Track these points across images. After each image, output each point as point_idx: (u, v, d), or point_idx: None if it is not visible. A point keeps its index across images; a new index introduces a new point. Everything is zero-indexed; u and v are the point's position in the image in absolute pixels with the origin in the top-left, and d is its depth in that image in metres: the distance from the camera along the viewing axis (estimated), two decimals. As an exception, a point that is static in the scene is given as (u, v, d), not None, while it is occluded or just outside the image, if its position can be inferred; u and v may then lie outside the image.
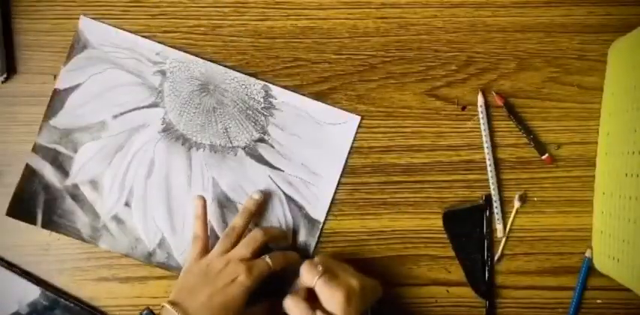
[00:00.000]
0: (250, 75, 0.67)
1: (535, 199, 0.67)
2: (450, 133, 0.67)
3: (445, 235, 0.67)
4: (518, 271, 0.67)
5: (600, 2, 0.67)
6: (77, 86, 0.67)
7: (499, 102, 0.67)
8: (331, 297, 0.57)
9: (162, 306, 0.59)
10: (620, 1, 0.67)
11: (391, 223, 0.67)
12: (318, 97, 0.67)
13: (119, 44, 0.67)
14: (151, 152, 0.67)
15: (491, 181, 0.67)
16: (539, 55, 0.67)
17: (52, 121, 0.67)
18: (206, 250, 0.63)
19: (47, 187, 0.67)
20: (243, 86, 0.67)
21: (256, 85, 0.67)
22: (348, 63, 0.68)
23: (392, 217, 0.67)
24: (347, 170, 0.67)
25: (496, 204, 0.67)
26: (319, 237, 0.67)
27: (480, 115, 0.67)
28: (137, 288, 0.67)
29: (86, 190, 0.67)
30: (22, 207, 0.67)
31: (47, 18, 0.68)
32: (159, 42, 0.67)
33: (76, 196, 0.67)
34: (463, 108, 0.68)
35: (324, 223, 0.67)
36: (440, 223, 0.67)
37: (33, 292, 0.66)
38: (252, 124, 0.67)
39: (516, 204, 0.67)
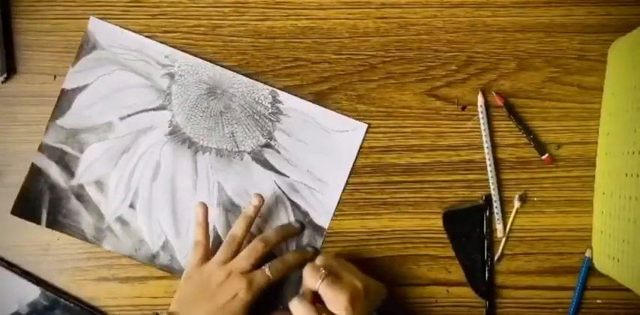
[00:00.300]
0: (250, 75, 0.67)
1: (535, 199, 0.67)
2: (450, 133, 0.67)
3: (445, 235, 0.67)
4: (518, 271, 0.67)
5: (600, 2, 0.67)
6: (85, 87, 0.67)
7: (499, 102, 0.67)
8: (335, 299, 0.56)
9: None
10: (620, 1, 0.67)
11: (391, 223, 0.67)
12: (318, 97, 0.67)
13: (128, 46, 0.67)
14: (157, 155, 0.67)
15: (491, 181, 0.67)
16: (539, 55, 0.67)
17: (59, 121, 0.67)
18: (207, 256, 0.63)
19: (53, 186, 0.67)
20: (251, 91, 0.67)
21: (264, 91, 0.67)
22: (348, 63, 0.68)
23: (392, 217, 0.67)
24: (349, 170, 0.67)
25: (496, 204, 0.67)
26: (323, 243, 0.67)
27: (480, 115, 0.67)
28: (137, 288, 0.67)
29: (91, 191, 0.67)
30: (27, 206, 0.67)
31: (47, 18, 0.68)
32: (161, 42, 0.67)
33: (81, 196, 0.67)
34: (463, 108, 0.68)
35: (328, 229, 0.67)
36: (440, 223, 0.67)
37: (33, 292, 0.66)
38: (259, 129, 0.67)
39: (516, 204, 0.67)
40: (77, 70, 0.67)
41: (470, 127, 0.67)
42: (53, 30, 0.68)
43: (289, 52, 0.68)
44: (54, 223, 0.67)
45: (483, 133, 0.67)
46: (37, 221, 0.67)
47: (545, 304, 0.67)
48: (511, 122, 0.67)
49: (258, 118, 0.67)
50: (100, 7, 0.67)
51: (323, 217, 0.67)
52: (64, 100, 0.67)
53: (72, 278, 0.67)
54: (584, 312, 0.67)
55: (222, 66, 0.67)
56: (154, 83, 0.67)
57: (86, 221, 0.67)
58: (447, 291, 0.68)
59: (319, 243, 0.67)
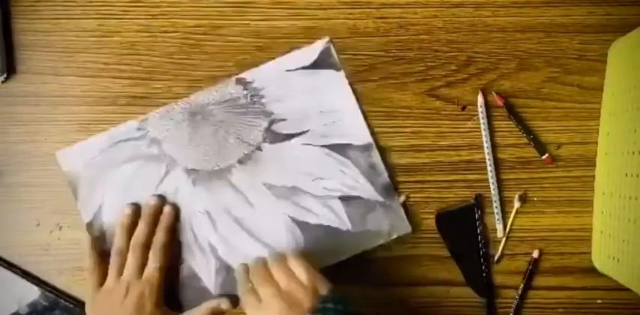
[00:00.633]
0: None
1: (535, 199, 0.68)
2: (450, 133, 0.67)
3: (445, 235, 0.67)
4: (518, 271, 0.67)
5: (600, 2, 0.67)
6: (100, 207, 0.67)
7: (499, 102, 0.67)
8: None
9: None
10: (620, 1, 0.67)
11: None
12: (318, 97, 0.67)
13: (103, 149, 0.67)
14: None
15: (491, 181, 0.67)
16: (539, 55, 0.67)
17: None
18: (102, 280, 0.64)
19: None
20: (222, 93, 0.67)
21: (230, 84, 0.67)
22: (348, 63, 0.68)
23: (392, 217, 0.67)
24: (347, 170, 0.67)
25: (496, 204, 0.67)
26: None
27: (480, 115, 0.67)
28: (137, 288, 0.67)
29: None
30: None
31: (47, 18, 0.68)
32: (159, 42, 0.67)
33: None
34: (463, 108, 0.68)
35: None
36: (440, 223, 0.67)
37: (33, 293, 0.66)
38: (255, 116, 0.67)
39: (516, 204, 0.67)
40: (86, 201, 0.67)
41: (470, 127, 0.67)
42: (52, 30, 0.68)
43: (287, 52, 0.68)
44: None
45: (483, 133, 0.67)
46: None
47: (546, 304, 0.67)
48: (511, 122, 0.67)
49: (245, 109, 0.67)
50: (100, 7, 0.67)
51: (362, 137, 0.67)
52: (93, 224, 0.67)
53: (72, 278, 0.67)
54: (584, 312, 0.67)
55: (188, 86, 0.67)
56: (148, 157, 0.67)
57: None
58: (447, 291, 0.68)
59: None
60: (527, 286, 0.67)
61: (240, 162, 0.67)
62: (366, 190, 0.66)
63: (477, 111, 0.67)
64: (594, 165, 0.67)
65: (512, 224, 0.68)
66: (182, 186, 0.67)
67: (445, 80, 0.68)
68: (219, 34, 0.67)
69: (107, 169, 0.67)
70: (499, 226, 0.67)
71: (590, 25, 0.67)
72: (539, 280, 0.68)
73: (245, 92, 0.67)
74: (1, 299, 0.66)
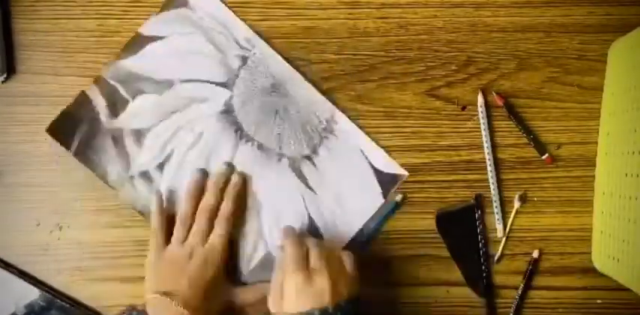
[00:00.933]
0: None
1: (535, 199, 0.68)
2: (450, 133, 0.67)
3: (445, 235, 0.67)
4: (518, 271, 0.67)
5: (600, 2, 0.67)
6: (159, 38, 0.67)
7: (499, 102, 0.67)
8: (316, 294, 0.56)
9: (151, 298, 0.60)
10: (620, 1, 0.67)
11: (391, 223, 0.67)
12: (318, 97, 0.67)
13: (216, 16, 0.67)
14: (203, 127, 0.67)
15: (491, 181, 0.67)
16: (539, 55, 0.67)
17: (123, 62, 0.67)
18: (166, 241, 0.64)
19: (94, 119, 0.67)
20: (313, 102, 0.67)
21: (324, 105, 0.67)
22: (348, 63, 0.68)
23: (392, 217, 0.67)
24: (347, 170, 0.67)
25: (496, 204, 0.67)
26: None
27: (480, 115, 0.67)
28: (137, 288, 0.67)
29: (128, 138, 0.67)
30: (62, 128, 0.67)
31: (47, 18, 0.68)
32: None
33: (116, 139, 0.67)
34: (463, 108, 0.68)
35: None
36: (440, 223, 0.67)
37: (30, 293, 0.66)
38: (306, 139, 0.67)
39: (516, 204, 0.67)
40: (159, 20, 0.67)
41: (470, 127, 0.67)
42: (52, 30, 0.68)
43: (289, 52, 0.68)
44: (81, 154, 0.67)
45: (483, 133, 0.67)
46: (67, 146, 0.67)
47: (546, 304, 0.67)
48: (511, 122, 0.67)
49: (309, 128, 0.67)
50: (100, 7, 0.67)
51: (333, 244, 0.66)
52: (136, 44, 0.67)
53: (71, 278, 0.67)
54: (584, 312, 0.67)
55: (298, 70, 0.67)
56: (225, 59, 0.67)
57: (112, 164, 0.67)
58: (447, 291, 0.68)
59: None
60: (527, 286, 0.67)
61: (259, 147, 0.67)
62: None
63: (477, 111, 0.67)
64: (594, 165, 0.67)
65: (512, 224, 0.68)
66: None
67: (445, 80, 0.68)
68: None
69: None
70: (499, 226, 0.67)
71: (590, 25, 0.67)
72: (539, 280, 0.68)
73: (324, 121, 0.67)
74: (-1, 300, 0.66)
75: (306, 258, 0.58)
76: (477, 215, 0.67)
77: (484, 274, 0.67)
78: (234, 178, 0.66)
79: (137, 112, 0.67)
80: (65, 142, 0.67)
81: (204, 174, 0.67)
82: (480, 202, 0.67)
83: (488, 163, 0.67)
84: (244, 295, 0.64)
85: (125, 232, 0.68)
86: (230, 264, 0.66)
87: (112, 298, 0.67)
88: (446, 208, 0.67)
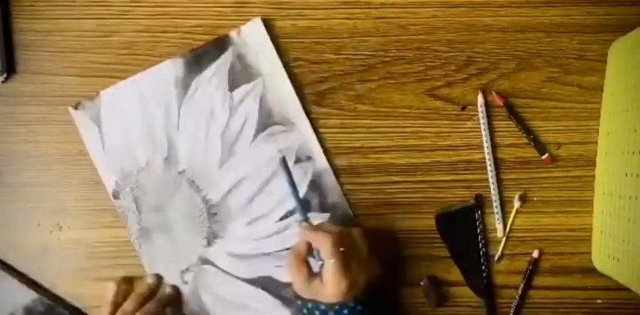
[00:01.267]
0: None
1: (535, 199, 0.67)
2: (450, 133, 0.67)
3: (445, 235, 0.67)
4: (518, 271, 0.67)
5: (600, 2, 0.67)
6: None
7: (499, 102, 0.67)
8: (336, 284, 0.57)
9: None
10: (620, 1, 0.67)
11: (391, 223, 0.67)
12: (318, 97, 0.67)
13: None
14: None
15: (491, 181, 0.67)
16: (539, 55, 0.67)
17: None
18: None
19: None
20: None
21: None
22: (348, 63, 0.68)
23: (392, 217, 0.67)
24: (347, 170, 0.67)
25: (496, 204, 0.67)
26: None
27: (480, 115, 0.67)
28: (137, 288, 0.67)
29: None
30: None
31: (47, 18, 0.68)
32: (159, 42, 0.67)
33: None
34: (463, 108, 0.68)
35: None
36: (440, 223, 0.67)
37: (28, 295, 0.66)
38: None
39: (516, 204, 0.67)
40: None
41: (470, 127, 0.67)
42: (52, 30, 0.68)
43: (289, 52, 0.68)
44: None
45: (483, 133, 0.67)
46: None
47: (546, 304, 0.67)
48: (511, 122, 0.67)
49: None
50: (100, 7, 0.68)
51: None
52: None
53: (71, 278, 0.67)
54: (584, 312, 0.67)
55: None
56: None
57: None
58: (447, 291, 0.68)
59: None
60: (527, 286, 0.67)
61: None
62: None
63: (477, 111, 0.67)
64: (594, 165, 0.67)
65: (512, 224, 0.68)
66: None
67: (445, 80, 0.68)
68: (219, 34, 0.67)
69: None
70: (499, 226, 0.67)
71: (590, 25, 0.67)
72: (539, 280, 0.67)
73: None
74: (-2, 301, 0.66)
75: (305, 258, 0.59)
76: (476, 215, 0.67)
77: (484, 274, 0.67)
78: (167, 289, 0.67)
79: None
80: None
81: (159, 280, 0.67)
82: (480, 202, 0.67)
83: (488, 163, 0.67)
84: None
85: (125, 233, 0.68)
86: None
87: (112, 298, 0.67)
88: (446, 208, 0.67)
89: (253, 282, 0.67)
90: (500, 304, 0.68)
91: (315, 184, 0.67)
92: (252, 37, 0.67)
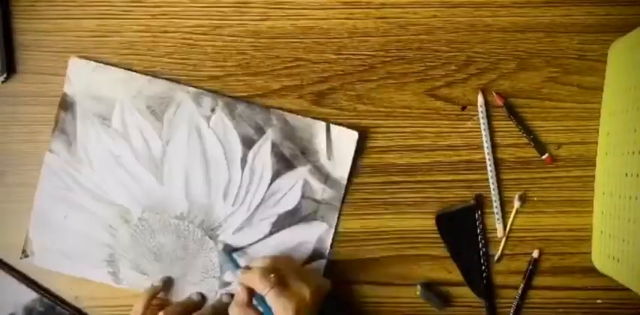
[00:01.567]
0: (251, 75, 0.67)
1: (535, 199, 0.67)
2: (450, 133, 0.67)
3: (445, 235, 0.67)
4: (518, 271, 0.67)
5: (600, 2, 0.67)
6: None
7: (499, 102, 0.67)
8: (284, 309, 0.57)
9: None
10: (620, 1, 0.67)
11: (391, 223, 0.67)
12: (318, 97, 0.67)
13: None
14: None
15: (491, 181, 0.67)
16: (539, 55, 0.67)
17: None
18: None
19: None
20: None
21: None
22: (348, 63, 0.68)
23: (392, 217, 0.67)
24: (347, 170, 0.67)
25: (496, 204, 0.67)
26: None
27: (480, 115, 0.67)
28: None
29: None
30: None
31: (47, 18, 0.68)
32: (159, 42, 0.67)
33: None
34: (463, 108, 0.68)
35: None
36: (440, 223, 0.67)
37: (29, 295, 0.66)
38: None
39: (516, 204, 0.67)
40: None
41: (470, 127, 0.67)
42: (53, 30, 0.68)
43: (289, 52, 0.68)
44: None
45: (483, 133, 0.67)
46: None
47: (546, 304, 0.67)
48: (511, 122, 0.67)
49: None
50: (100, 7, 0.67)
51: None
52: None
53: (72, 278, 0.67)
54: (584, 312, 0.67)
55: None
56: None
57: None
58: (447, 291, 0.68)
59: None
60: (527, 286, 0.67)
61: None
62: None
63: (477, 111, 0.67)
64: (594, 165, 0.67)
65: (512, 224, 0.68)
66: None
67: (445, 80, 0.68)
68: (219, 34, 0.67)
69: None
70: (499, 226, 0.67)
71: (590, 25, 0.67)
72: (539, 280, 0.68)
73: None
74: (-3, 300, 0.66)
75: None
76: (477, 215, 0.67)
77: (484, 274, 0.67)
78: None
79: None
80: None
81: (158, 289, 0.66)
82: (480, 202, 0.67)
83: (488, 163, 0.67)
84: None
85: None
86: None
87: (112, 298, 0.67)
88: (446, 208, 0.67)
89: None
90: (500, 304, 0.68)
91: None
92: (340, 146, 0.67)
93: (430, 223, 0.67)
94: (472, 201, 0.67)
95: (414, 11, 0.68)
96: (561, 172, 0.67)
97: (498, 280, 0.68)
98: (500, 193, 0.67)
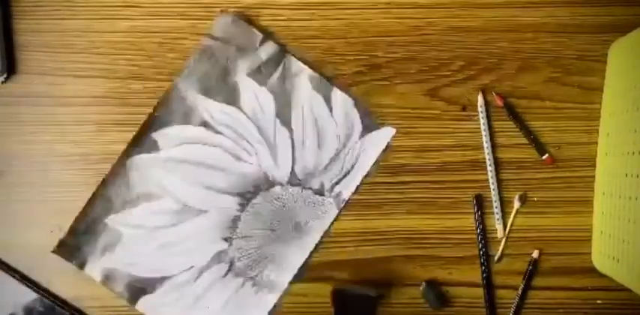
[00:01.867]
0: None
1: (535, 199, 0.68)
2: (451, 133, 0.67)
3: (445, 236, 0.67)
4: (518, 271, 0.67)
5: (600, 2, 0.67)
6: None
7: (499, 102, 0.67)
8: None
9: None
10: (620, 1, 0.67)
11: (391, 223, 0.67)
12: (319, 97, 0.67)
13: None
14: None
15: (491, 181, 0.67)
16: (539, 55, 0.67)
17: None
18: None
19: None
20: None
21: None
22: (350, 63, 0.68)
23: (392, 218, 0.67)
24: (347, 170, 0.68)
25: (496, 204, 0.67)
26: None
27: (480, 116, 0.67)
28: (137, 288, 0.67)
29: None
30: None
31: (47, 18, 0.68)
32: (159, 42, 0.67)
33: None
34: (463, 108, 0.68)
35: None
36: (440, 222, 0.67)
37: (29, 295, 0.66)
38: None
39: (516, 204, 0.67)
40: None
41: (470, 128, 0.67)
42: (52, 30, 0.68)
43: (291, 52, 0.68)
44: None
45: (483, 134, 0.67)
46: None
47: (546, 304, 0.68)
48: (511, 122, 0.67)
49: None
50: (100, 7, 0.67)
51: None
52: None
53: (72, 278, 0.67)
54: (584, 312, 0.67)
55: None
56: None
57: None
58: (447, 291, 0.68)
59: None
60: (527, 286, 0.67)
61: None
62: None
63: (477, 111, 0.67)
64: (594, 165, 0.67)
65: (512, 224, 0.68)
66: None
67: (445, 80, 0.68)
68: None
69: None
70: (499, 226, 0.67)
71: (590, 25, 0.67)
72: (539, 281, 0.68)
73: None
74: (-3, 300, 0.66)
75: None
76: (477, 215, 0.67)
77: (484, 274, 0.67)
78: None
79: None
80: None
81: None
82: (480, 202, 0.67)
83: (488, 163, 0.67)
84: None
85: (125, 232, 0.68)
86: None
87: (112, 298, 0.67)
88: (345, 287, 0.65)
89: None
90: (500, 305, 0.68)
91: None
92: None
93: (430, 223, 0.67)
94: (372, 293, 0.64)
95: (415, 12, 0.67)
96: (561, 172, 0.67)
97: (498, 280, 0.68)
98: (500, 193, 0.67)
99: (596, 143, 0.67)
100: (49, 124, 0.67)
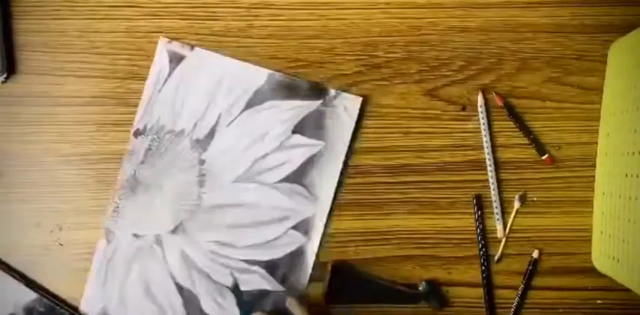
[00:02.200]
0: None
1: (535, 199, 0.68)
2: (451, 133, 0.67)
3: (445, 235, 0.67)
4: (518, 271, 0.67)
5: (600, 2, 0.67)
6: None
7: (499, 102, 0.67)
8: None
9: None
10: (620, 1, 0.67)
11: (391, 223, 0.67)
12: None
13: None
14: None
15: (491, 181, 0.67)
16: (539, 55, 0.67)
17: None
18: None
19: None
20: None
21: None
22: (349, 63, 0.68)
23: (392, 218, 0.67)
24: (349, 170, 0.67)
25: (496, 204, 0.67)
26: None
27: (480, 116, 0.67)
28: (137, 288, 0.67)
29: None
30: None
31: (47, 18, 0.68)
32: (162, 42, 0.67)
33: None
34: (463, 108, 0.68)
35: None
36: (440, 222, 0.67)
37: (29, 295, 0.66)
38: None
39: (516, 204, 0.67)
40: None
41: (470, 128, 0.67)
42: (53, 30, 0.68)
43: (290, 52, 0.68)
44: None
45: (483, 134, 0.67)
46: None
47: (546, 304, 0.68)
48: (511, 123, 0.67)
49: None
50: (101, 7, 0.67)
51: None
52: None
53: (72, 279, 0.67)
54: (584, 312, 0.67)
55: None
56: None
57: None
58: (447, 291, 0.68)
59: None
60: (527, 286, 0.67)
61: None
62: None
63: (477, 111, 0.67)
64: (594, 165, 0.67)
65: (512, 224, 0.68)
66: None
67: (445, 80, 0.68)
68: (218, 34, 0.67)
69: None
70: (499, 226, 0.67)
71: (590, 25, 0.67)
72: (539, 281, 0.68)
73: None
74: (-3, 300, 0.66)
75: None
76: (477, 215, 0.67)
77: (484, 274, 0.67)
78: None
79: None
80: None
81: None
82: (480, 202, 0.67)
83: (488, 163, 0.67)
84: None
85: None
86: None
87: (112, 298, 0.68)
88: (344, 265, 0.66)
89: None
90: (500, 305, 0.68)
91: (294, 258, 0.67)
92: (345, 107, 0.67)
93: (429, 223, 0.67)
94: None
95: (415, 12, 0.68)
96: (561, 172, 0.67)
97: (498, 280, 0.68)
98: (500, 193, 0.67)
99: (596, 143, 0.67)
100: (48, 124, 0.67)
